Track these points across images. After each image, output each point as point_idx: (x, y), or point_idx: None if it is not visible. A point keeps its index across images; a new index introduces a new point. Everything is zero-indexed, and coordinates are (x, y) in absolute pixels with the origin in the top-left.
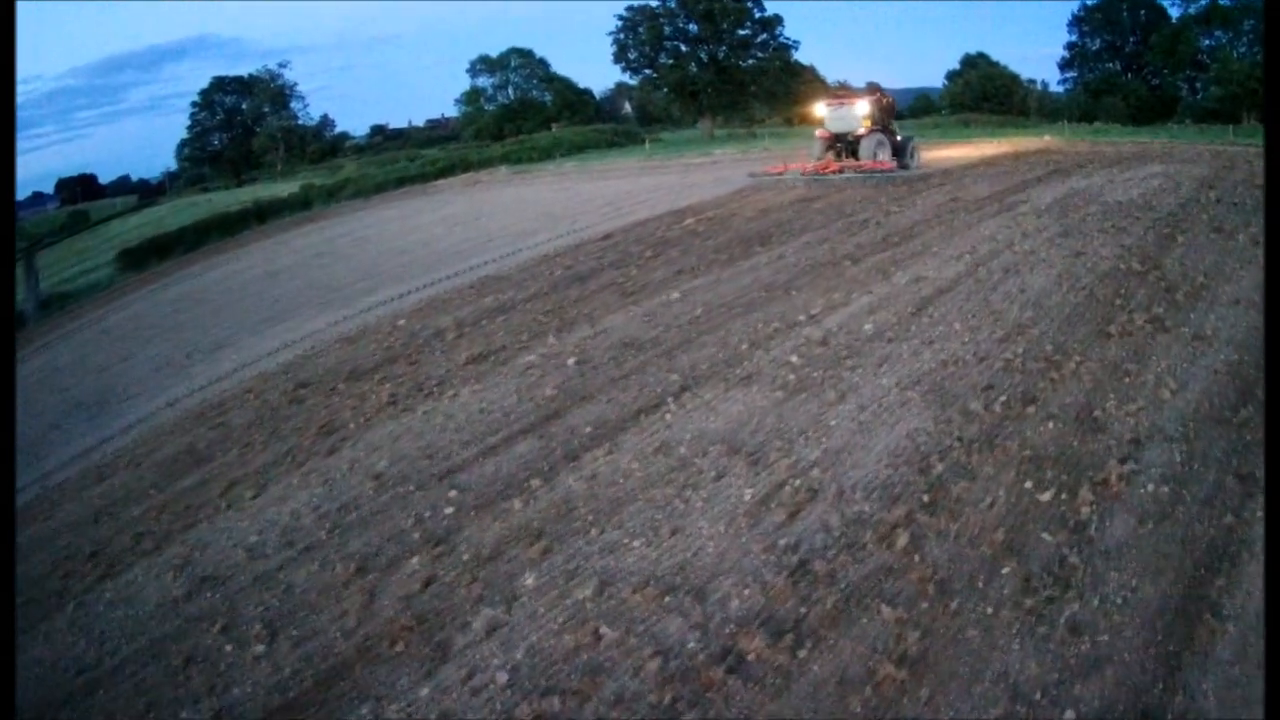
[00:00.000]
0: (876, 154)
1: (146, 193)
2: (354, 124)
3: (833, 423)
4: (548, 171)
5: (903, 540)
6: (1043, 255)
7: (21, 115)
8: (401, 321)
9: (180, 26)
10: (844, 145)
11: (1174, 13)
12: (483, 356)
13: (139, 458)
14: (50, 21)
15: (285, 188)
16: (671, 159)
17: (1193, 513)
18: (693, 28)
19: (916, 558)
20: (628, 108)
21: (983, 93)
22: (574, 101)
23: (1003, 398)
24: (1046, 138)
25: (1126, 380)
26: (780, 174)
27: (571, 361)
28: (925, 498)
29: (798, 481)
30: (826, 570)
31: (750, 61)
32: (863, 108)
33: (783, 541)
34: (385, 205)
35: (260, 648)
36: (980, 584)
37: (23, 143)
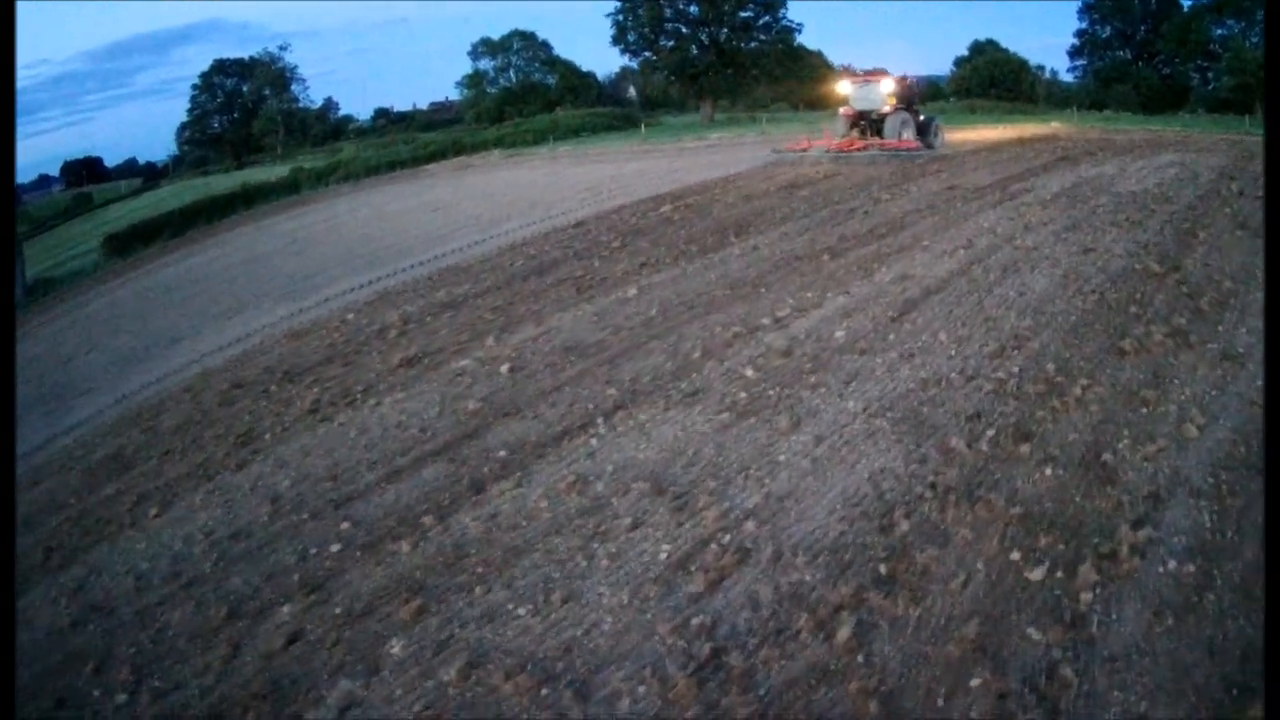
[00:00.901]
0: (901, 133)
1: (150, 176)
2: (360, 107)
3: (781, 458)
4: (540, 155)
5: (846, 630)
6: (1046, 252)
7: (28, 99)
8: (350, 316)
9: (189, 10)
10: (868, 123)
11: (1186, 1)
12: (416, 359)
13: (73, 461)
14: (58, 6)
15: (279, 171)
16: (666, 143)
17: (1225, 604)
18: (693, 9)
19: (860, 657)
20: (632, 92)
21: (990, 78)
22: (576, 85)
23: (991, 431)
24: (1054, 124)
25: (1144, 411)
26: (804, 150)
27: (505, 369)
28: (882, 568)
29: (727, 537)
30: (744, 668)
31: (752, 44)
32: (888, 85)
33: (696, 621)
34: (372, 190)
35: (123, 697)
36: (939, 702)
37: (29, 126)
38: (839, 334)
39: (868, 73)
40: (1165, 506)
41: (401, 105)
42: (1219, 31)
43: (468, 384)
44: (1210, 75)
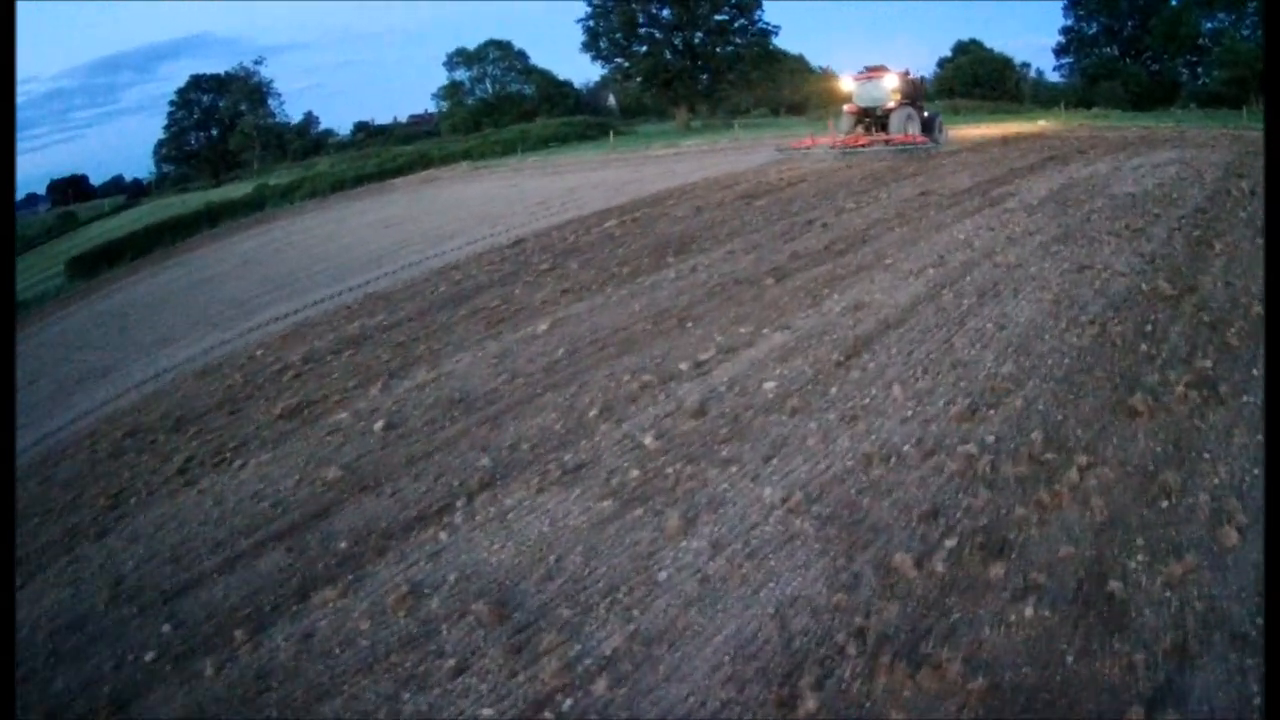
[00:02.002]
0: (906, 128)
1: (134, 193)
2: (347, 119)
3: (663, 574)
4: (507, 167)
5: None
6: (1033, 270)
7: (19, 116)
8: (260, 351)
9: (177, 26)
10: (873, 119)
11: None
12: (298, 409)
13: None
14: (47, 21)
15: (250, 188)
16: (636, 152)
17: None
18: (666, 13)
19: None
20: (612, 100)
21: (974, 77)
22: (553, 94)
23: (952, 541)
24: (1041, 122)
25: (1163, 506)
26: (808, 148)
27: (380, 425)
28: None
29: (566, 703)
30: None
31: (728, 48)
32: (892, 81)
33: None
34: (336, 206)
35: None
36: None
37: (19, 144)
38: (768, 385)
39: (871, 69)
40: (1195, 667)
41: (384, 118)
42: (1209, 25)
43: (338, 444)
44: (1200, 70)
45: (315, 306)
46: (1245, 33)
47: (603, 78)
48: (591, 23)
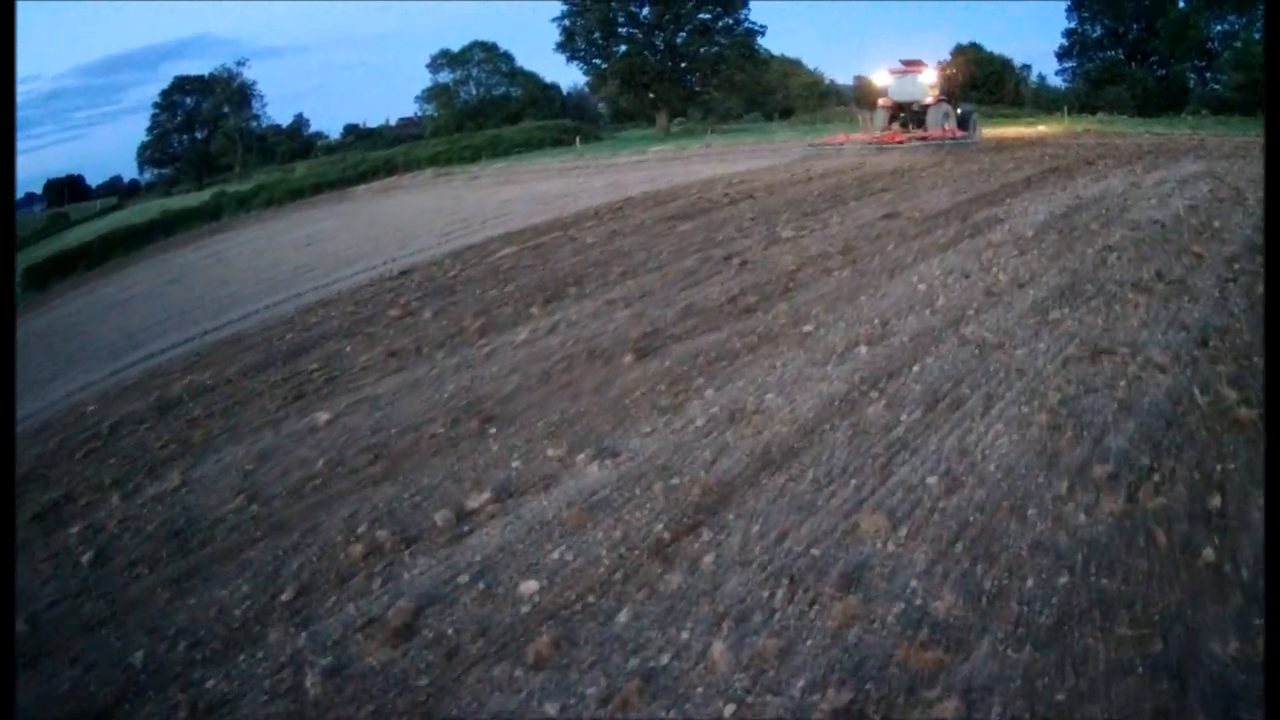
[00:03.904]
0: (944, 124)
1: (129, 194)
2: (344, 122)
3: None
4: (468, 174)
5: None
6: (1020, 354)
7: (20, 115)
8: (91, 408)
9: (179, 26)
10: (909, 115)
11: None
12: (44, 514)
13: None
14: (49, 21)
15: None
16: (601, 159)
17: None
18: (646, 12)
19: None
20: (602, 104)
21: (970, 79)
22: (539, 97)
23: None
24: (1040, 127)
25: None
26: (841, 145)
27: (88, 558)
28: None
29: None
30: None
31: (712, 49)
32: (929, 76)
33: None
34: (284, 217)
35: None
36: None
37: (21, 144)
38: (527, 588)
39: (907, 63)
40: None
41: (379, 120)
42: (1218, 27)
43: (45, 577)
44: (1210, 75)
45: (174, 350)
46: (1257, 35)
47: (590, 81)
48: (567, 21)
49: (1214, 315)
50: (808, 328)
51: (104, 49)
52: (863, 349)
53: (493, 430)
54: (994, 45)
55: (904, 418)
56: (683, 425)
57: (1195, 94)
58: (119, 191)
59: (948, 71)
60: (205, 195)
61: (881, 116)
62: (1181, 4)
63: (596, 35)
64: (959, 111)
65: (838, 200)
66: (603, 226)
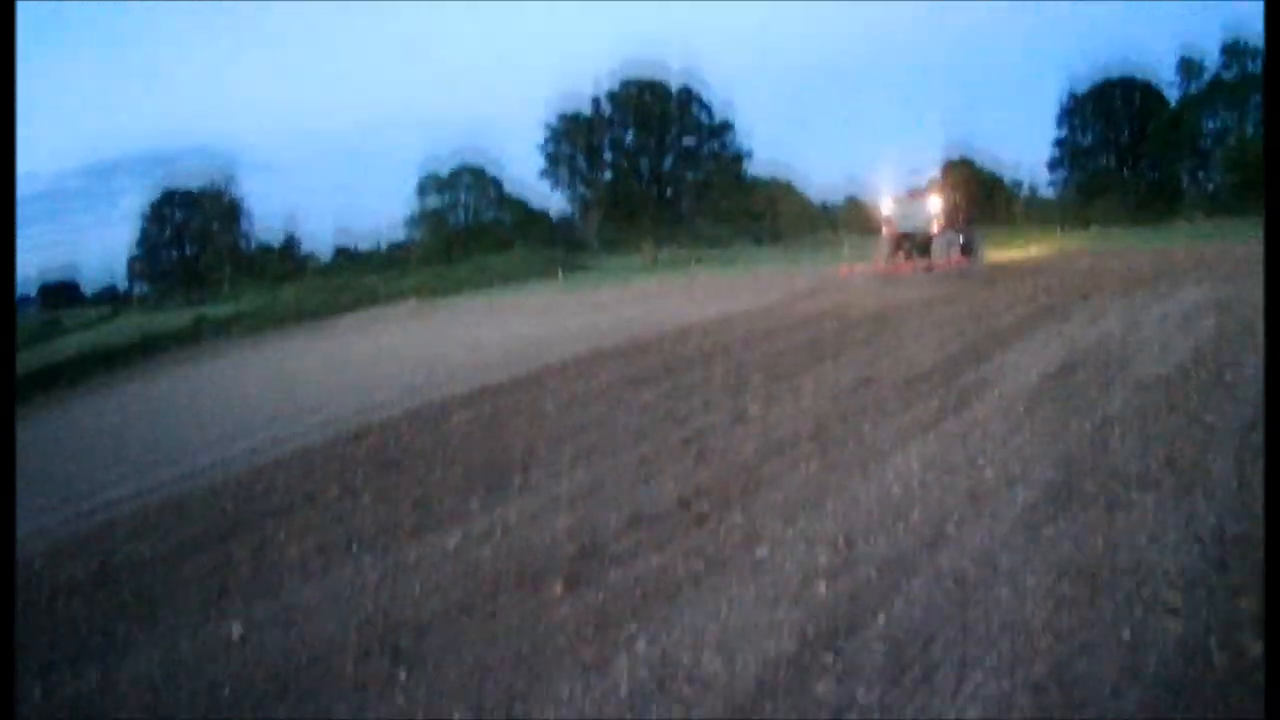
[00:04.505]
0: (949, 252)
1: (121, 304)
2: (337, 242)
3: None
4: (447, 308)
5: None
6: (1004, 594)
7: (16, 211)
8: (38, 564)
9: (177, 135)
10: (913, 244)
11: (1173, 95)
12: None
13: None
14: (49, 118)
15: (222, 310)
16: (584, 292)
17: None
18: (630, 136)
19: None
20: (593, 222)
21: (970, 202)
22: (527, 223)
23: None
24: (1032, 249)
25: None
26: (845, 277)
27: None
28: None
29: None
30: None
31: (698, 174)
32: (936, 204)
33: None
34: (262, 346)
35: None
36: None
37: (16, 240)
38: None
39: (913, 191)
40: None
41: (371, 242)
42: (1211, 125)
43: None
44: (1203, 175)
45: (125, 503)
46: (1250, 129)
47: (574, 207)
48: (551, 147)
49: (1232, 518)
50: (762, 551)
51: (102, 152)
52: (822, 586)
53: (402, 675)
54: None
55: (859, 696)
56: (604, 692)
57: (1189, 196)
58: (114, 300)
59: (952, 197)
60: (188, 318)
61: (887, 245)
62: (1172, 103)
63: (581, 161)
64: (962, 239)
65: (815, 357)
66: (565, 389)
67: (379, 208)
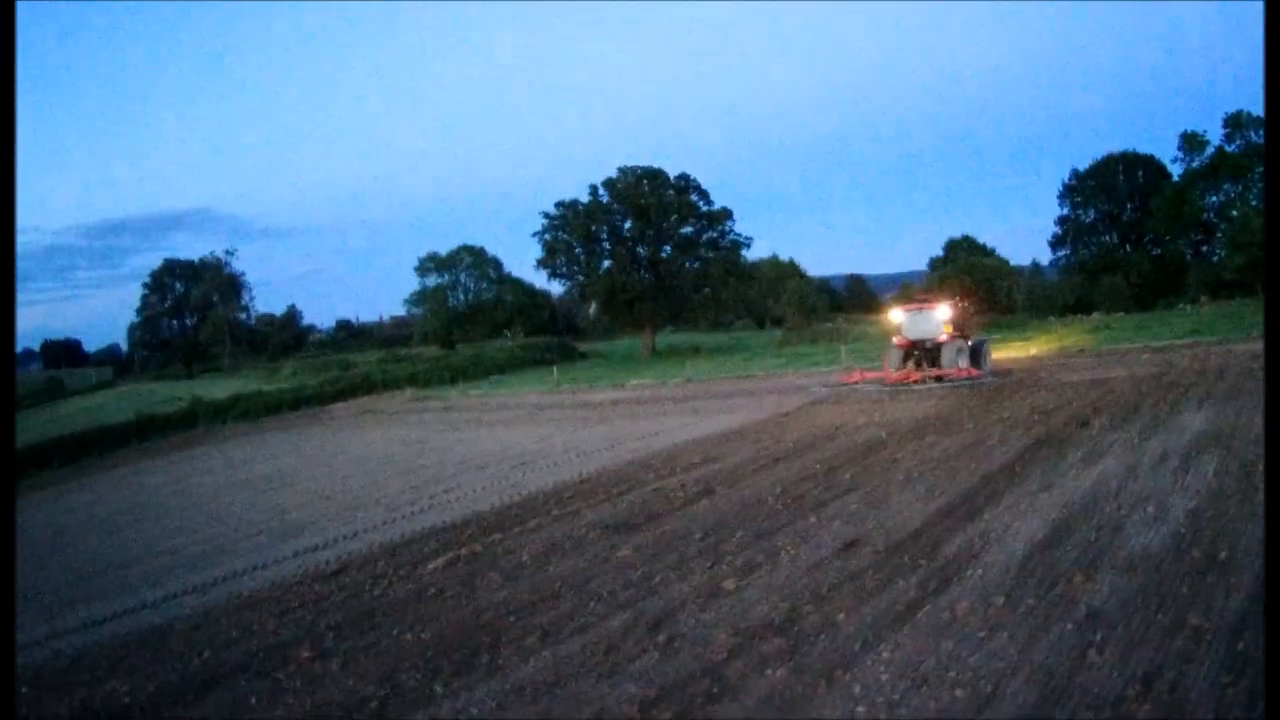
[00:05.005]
0: (957, 361)
1: (123, 368)
2: (340, 309)
3: None
4: (442, 403)
5: None
6: None
7: (19, 267)
8: (23, 689)
9: (180, 197)
10: (923, 353)
11: (1175, 170)
12: None
13: None
14: (54, 176)
15: (224, 386)
16: (579, 390)
17: None
18: (628, 225)
19: None
20: (592, 312)
21: (962, 287)
22: (528, 305)
23: None
24: (1032, 350)
25: None
26: (856, 384)
27: None
28: None
29: None
30: None
31: (695, 263)
32: (944, 313)
33: None
34: (255, 439)
35: None
36: None
37: (19, 296)
38: None
39: (921, 300)
40: None
41: (373, 313)
42: (1214, 199)
43: None
44: (1207, 249)
45: (105, 625)
46: (1254, 202)
47: (567, 292)
48: (548, 235)
49: None
50: None
51: (106, 212)
52: None
53: None
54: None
55: None
56: None
57: (1194, 274)
58: (115, 361)
59: (960, 305)
60: (184, 401)
61: (896, 355)
62: (1175, 178)
63: (578, 251)
64: (971, 343)
65: (798, 509)
66: (544, 532)
67: (381, 277)
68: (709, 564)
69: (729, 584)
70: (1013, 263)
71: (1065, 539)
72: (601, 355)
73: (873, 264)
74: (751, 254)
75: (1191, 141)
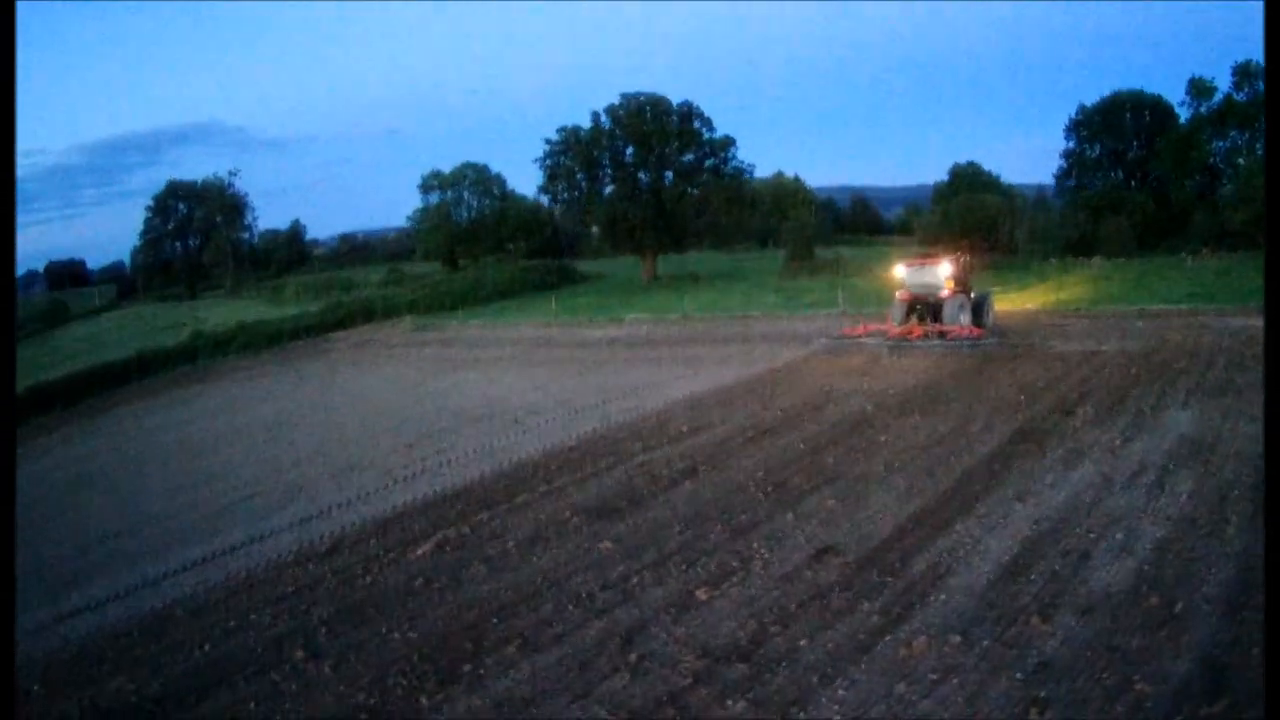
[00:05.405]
0: (959, 318)
1: (127, 287)
2: (343, 221)
3: None
4: (440, 336)
5: None
6: None
7: (24, 189)
8: (36, 688)
9: (185, 111)
10: (925, 307)
11: (1183, 114)
12: None
13: None
14: (57, 96)
15: (225, 310)
16: (575, 326)
17: None
18: (630, 152)
19: None
20: (595, 230)
21: (963, 225)
22: (529, 222)
23: None
24: (1029, 304)
25: None
26: (860, 337)
27: None
28: None
29: None
30: None
31: (695, 190)
32: (946, 269)
33: None
34: (253, 381)
35: None
36: None
37: (23, 216)
38: None
39: (924, 255)
40: None
41: (379, 222)
42: (1220, 144)
43: None
44: (1210, 192)
45: (101, 609)
46: (1260, 152)
47: (567, 215)
48: (550, 161)
49: None
50: None
51: (109, 129)
52: None
53: None
54: (993, 163)
55: None
56: None
57: (1199, 223)
58: (120, 280)
59: (962, 261)
60: (185, 334)
61: (899, 310)
62: (1183, 120)
63: (579, 178)
64: (974, 295)
65: (778, 502)
66: (530, 512)
67: (387, 187)
68: (685, 566)
69: (701, 594)
70: (1018, 186)
71: (1030, 566)
72: (602, 278)
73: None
74: (758, 170)
75: (1199, 88)
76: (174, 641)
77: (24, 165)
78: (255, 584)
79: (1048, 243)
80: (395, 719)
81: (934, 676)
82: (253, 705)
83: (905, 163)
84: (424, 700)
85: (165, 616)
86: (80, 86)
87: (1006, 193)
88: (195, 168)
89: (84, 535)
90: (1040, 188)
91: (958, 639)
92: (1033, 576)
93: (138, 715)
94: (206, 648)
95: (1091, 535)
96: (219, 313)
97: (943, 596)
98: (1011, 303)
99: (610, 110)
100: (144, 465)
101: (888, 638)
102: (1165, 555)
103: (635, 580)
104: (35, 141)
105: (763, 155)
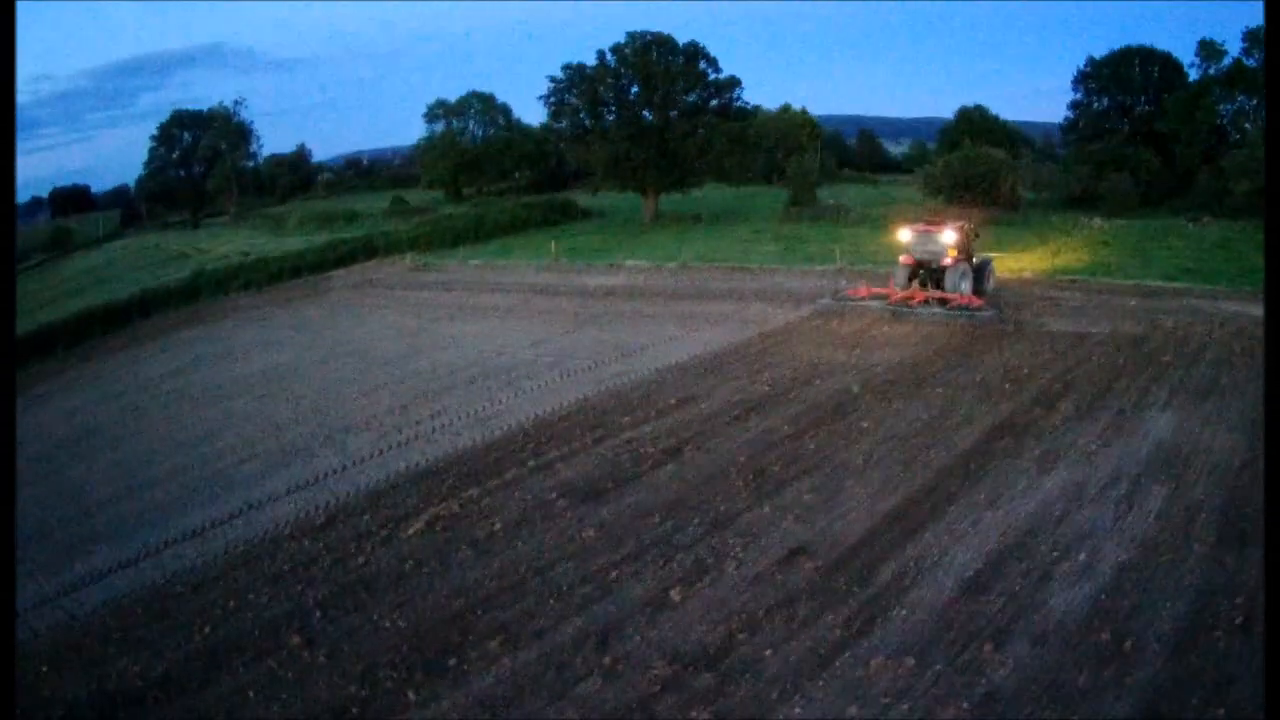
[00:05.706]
0: (960, 286)
1: (130, 213)
2: (349, 143)
3: None
4: (442, 277)
5: None
6: None
7: (28, 115)
8: (44, 668)
9: (193, 33)
10: (928, 273)
11: (1192, 75)
12: None
13: None
14: (60, 20)
15: (227, 238)
16: (574, 272)
17: None
18: (634, 90)
19: None
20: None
21: (965, 179)
22: (533, 152)
23: None
24: (1026, 271)
25: None
26: (863, 299)
27: None
28: None
29: None
30: None
31: (699, 131)
32: (949, 236)
33: None
34: (256, 323)
35: None
36: None
37: (28, 143)
38: None
39: (928, 221)
40: None
41: (386, 142)
42: (1228, 107)
43: None
44: (1216, 155)
45: (101, 581)
46: (1265, 119)
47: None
48: (553, 99)
49: None
50: None
51: (116, 53)
52: None
53: None
54: (1000, 106)
55: None
56: None
57: (1203, 185)
58: (124, 203)
59: (965, 229)
60: (187, 270)
61: (902, 274)
62: (1191, 78)
63: (583, 115)
64: (975, 261)
65: (757, 491)
66: (518, 490)
67: (393, 107)
68: (662, 562)
69: (675, 594)
70: (1025, 124)
71: (991, 585)
72: (604, 214)
73: (888, 106)
74: (766, 102)
75: (1209, 49)
76: (177, 622)
77: (29, 92)
78: (253, 559)
79: (1050, 194)
80: (384, 714)
81: (886, 700)
82: (251, 694)
83: (914, 95)
84: (411, 695)
85: (165, 593)
86: (87, 11)
87: (1012, 138)
88: (203, 90)
89: (85, 497)
90: (1046, 128)
91: (912, 662)
92: (992, 596)
93: (144, 698)
94: (207, 630)
95: (1055, 554)
96: (221, 239)
97: (904, 612)
98: (1009, 265)
99: (616, 49)
100: (143, 419)
101: (847, 654)
102: (1123, 583)
103: (614, 575)
104: (41, 67)
105: (771, 85)
